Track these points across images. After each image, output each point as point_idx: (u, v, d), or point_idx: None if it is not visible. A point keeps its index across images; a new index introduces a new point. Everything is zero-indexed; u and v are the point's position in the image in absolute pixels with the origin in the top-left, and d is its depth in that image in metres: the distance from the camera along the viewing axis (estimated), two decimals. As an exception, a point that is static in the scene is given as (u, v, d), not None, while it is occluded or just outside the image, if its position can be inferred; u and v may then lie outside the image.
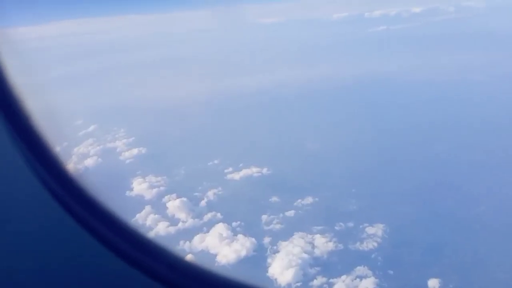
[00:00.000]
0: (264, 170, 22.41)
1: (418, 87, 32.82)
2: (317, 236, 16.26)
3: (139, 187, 21.45)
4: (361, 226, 16.77)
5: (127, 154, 26.59)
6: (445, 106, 28.68)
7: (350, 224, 16.93)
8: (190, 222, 18.17)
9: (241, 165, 23.41)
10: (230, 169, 23.14)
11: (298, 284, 14.00)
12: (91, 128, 31.33)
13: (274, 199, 19.29)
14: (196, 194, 20.49)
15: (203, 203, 19.74)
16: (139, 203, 20.08)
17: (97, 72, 46.28)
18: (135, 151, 26.65)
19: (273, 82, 38.45)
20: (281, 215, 18.00)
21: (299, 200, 18.90)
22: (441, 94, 30.74)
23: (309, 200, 18.89)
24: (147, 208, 19.26)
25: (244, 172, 22.52)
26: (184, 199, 19.44)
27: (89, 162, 25.76)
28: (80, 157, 26.69)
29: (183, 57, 47.73)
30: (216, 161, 24.24)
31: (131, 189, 21.53)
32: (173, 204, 19.08)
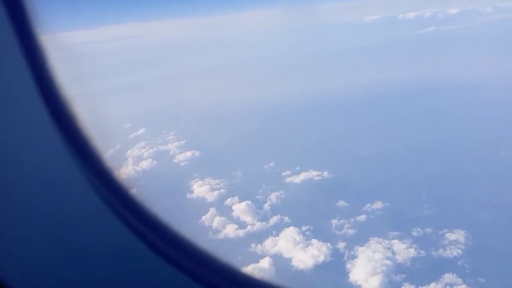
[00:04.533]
0: (325, 174, 21.91)
1: (477, 89, 31.63)
2: (395, 241, 15.63)
3: (200, 189, 21.33)
4: (440, 232, 16.05)
5: (181, 157, 26.59)
6: (506, 109, 27.46)
7: (428, 230, 16.23)
8: (257, 225, 17.85)
9: (298, 168, 22.99)
10: (288, 172, 22.76)
11: (385, 291, 13.42)
12: (141, 131, 31.64)
13: (342, 203, 18.76)
14: (258, 197, 20.21)
15: (266, 206, 19.42)
16: (202, 205, 19.97)
17: (140, 77, 46.89)
18: (188, 154, 26.62)
19: (321, 86, 37.94)
20: (351, 219, 17.47)
21: (368, 205, 18.32)
22: (502, 97, 29.48)
23: (378, 204, 18.29)
24: (212, 210, 19.08)
25: (304, 175, 22.09)
26: (249, 202, 19.16)
27: (145, 164, 25.95)
28: (135, 159, 26.95)
29: (230, 61, 47.82)
30: (271, 164, 23.92)
31: (192, 192, 21.46)
32: (239, 207, 18.82)
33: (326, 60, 46.07)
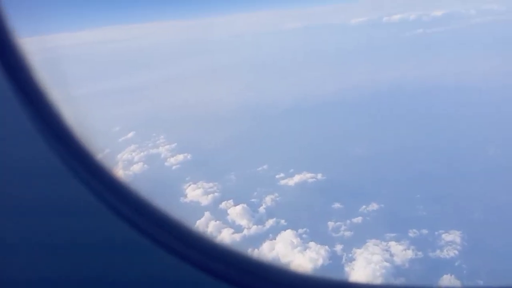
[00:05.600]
0: (319, 176, 21.89)
1: (469, 90, 32.10)
2: (392, 243, 15.66)
3: (194, 193, 21.08)
4: (436, 233, 16.14)
5: (172, 160, 26.27)
6: (494, 110, 27.93)
7: (424, 231, 16.30)
8: (253, 228, 17.70)
9: (292, 170, 22.92)
10: (282, 174, 22.67)
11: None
12: (130, 134, 31.16)
13: (337, 205, 18.75)
14: (253, 200, 20.05)
15: (261, 209, 19.28)
16: (196, 209, 19.71)
17: (128, 80, 46.37)
18: (180, 157, 26.32)
19: (311, 88, 38.04)
20: (348, 221, 17.45)
21: (364, 206, 18.34)
22: (494, 97, 29.97)
23: (374, 206, 18.32)
24: (207, 214, 18.86)
25: (298, 177, 22.03)
26: (244, 205, 18.99)
27: (136, 168, 25.56)
28: (125, 163, 26.50)
29: (220, 63, 47.60)
30: (265, 167, 23.79)
31: (185, 196, 21.19)
32: (234, 211, 18.64)
33: (316, 62, 46.29)
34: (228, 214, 18.72)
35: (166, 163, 26.10)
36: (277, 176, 22.58)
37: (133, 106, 37.47)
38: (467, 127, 26.96)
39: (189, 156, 26.16)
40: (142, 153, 27.60)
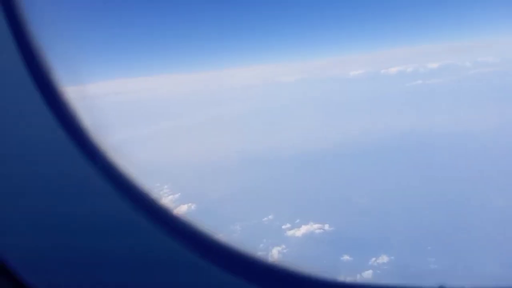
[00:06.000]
0: (326, 227, 21.56)
1: (474, 140, 32.45)
2: (407, 298, 15.07)
3: (199, 245, 20.65)
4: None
5: (176, 211, 26.00)
6: (496, 159, 28.08)
7: (438, 285, 15.76)
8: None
9: (298, 221, 22.63)
10: (288, 225, 22.35)
11: None
12: (134, 185, 30.97)
13: (346, 257, 18.32)
14: (259, 253, 19.59)
15: (269, 262, 18.81)
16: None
17: (130, 133, 46.99)
18: (184, 207, 26.07)
19: (315, 138, 38.45)
20: (358, 275, 16.95)
21: (373, 259, 17.90)
22: (486, 145, 30.24)
23: (384, 258, 17.89)
24: (212, 268, 18.33)
25: (305, 228, 21.69)
26: (251, 258, 18.52)
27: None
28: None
29: (222, 114, 48.54)
30: (270, 217, 23.51)
31: (190, 248, 20.75)
32: (241, 264, 18.14)
33: (319, 112, 47.15)
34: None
35: (170, 214, 25.74)
36: (283, 227, 22.24)
37: (136, 157, 37.71)
38: (474, 177, 26.94)
39: (193, 206, 25.93)
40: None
